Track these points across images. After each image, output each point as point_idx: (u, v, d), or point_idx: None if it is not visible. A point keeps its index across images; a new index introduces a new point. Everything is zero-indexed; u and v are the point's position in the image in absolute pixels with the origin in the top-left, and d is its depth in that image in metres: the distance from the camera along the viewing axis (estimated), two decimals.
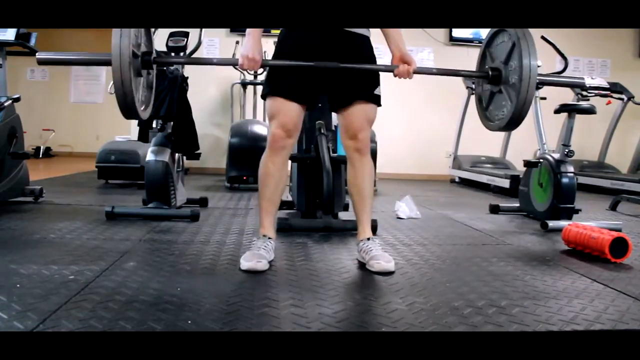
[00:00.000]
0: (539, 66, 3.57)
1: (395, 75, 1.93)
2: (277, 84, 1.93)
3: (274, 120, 1.93)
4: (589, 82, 5.47)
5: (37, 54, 1.85)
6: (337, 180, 2.76)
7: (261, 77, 5.41)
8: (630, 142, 5.96)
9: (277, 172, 1.97)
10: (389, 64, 1.95)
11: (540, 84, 2.00)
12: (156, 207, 2.85)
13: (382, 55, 2.09)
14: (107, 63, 1.69)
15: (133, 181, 4.46)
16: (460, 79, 5.77)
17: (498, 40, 2.02)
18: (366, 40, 1.97)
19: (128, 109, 1.72)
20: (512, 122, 1.89)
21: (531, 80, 1.81)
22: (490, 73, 1.99)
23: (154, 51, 1.96)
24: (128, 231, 2.47)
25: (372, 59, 1.98)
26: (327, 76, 1.91)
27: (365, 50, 1.96)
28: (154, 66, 1.97)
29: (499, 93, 1.98)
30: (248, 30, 1.89)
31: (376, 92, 1.96)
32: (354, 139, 1.96)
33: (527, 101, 1.83)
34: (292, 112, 1.92)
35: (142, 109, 1.85)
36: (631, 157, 5.73)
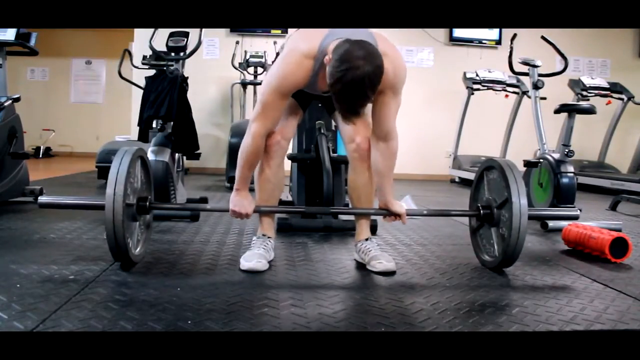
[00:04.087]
0: (539, 66, 3.59)
1: (384, 219, 1.95)
2: None
3: (269, 121, 1.92)
4: (588, 82, 5.49)
5: (38, 198, 1.89)
6: (337, 180, 2.76)
7: (261, 77, 5.41)
8: (630, 142, 5.96)
9: (273, 176, 1.96)
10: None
11: (531, 219, 2.00)
12: None
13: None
14: (102, 208, 1.66)
15: None
16: (460, 78, 5.79)
17: (490, 176, 2.00)
18: None
19: (119, 254, 1.71)
20: (505, 262, 1.86)
21: (521, 227, 1.77)
22: (481, 212, 1.95)
23: (151, 195, 1.94)
24: None
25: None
26: (322, 99, 2.00)
27: None
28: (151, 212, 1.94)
29: (490, 230, 1.96)
30: (235, 189, 1.86)
31: None
32: (353, 142, 1.95)
33: (518, 243, 1.79)
34: (288, 114, 1.94)
35: (137, 250, 1.83)
36: (631, 157, 5.72)
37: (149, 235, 2.01)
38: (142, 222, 1.91)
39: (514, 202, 1.78)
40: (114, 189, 1.64)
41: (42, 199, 1.85)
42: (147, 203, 1.85)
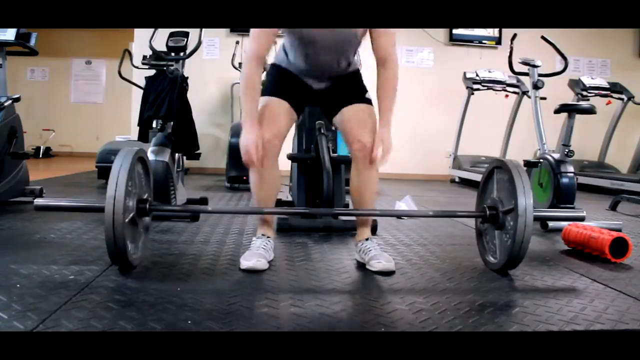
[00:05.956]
0: (539, 66, 3.59)
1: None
2: (271, 88, 2.00)
3: (261, 123, 1.88)
4: (588, 82, 5.49)
5: (34, 200, 1.85)
6: (337, 180, 2.76)
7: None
8: (630, 142, 5.97)
9: (268, 175, 1.94)
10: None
11: (536, 220, 1.91)
12: None
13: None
14: (101, 211, 1.65)
15: None
16: (460, 78, 5.79)
17: (497, 176, 1.97)
18: (356, 74, 2.05)
19: (118, 257, 1.69)
20: (510, 263, 1.85)
21: (527, 229, 1.76)
22: (487, 213, 1.93)
23: (150, 197, 1.92)
24: None
25: (362, 89, 2.03)
26: (319, 94, 2.02)
27: (355, 83, 2.04)
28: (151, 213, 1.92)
29: (497, 231, 1.94)
30: (243, 120, 1.87)
31: (367, 96, 2.01)
32: (357, 143, 1.91)
33: (523, 245, 1.78)
34: (280, 115, 1.93)
35: (136, 253, 1.81)
36: (631, 157, 5.73)
37: (148, 237, 2.00)
38: (141, 224, 1.91)
39: (520, 206, 1.75)
40: (115, 193, 1.63)
41: (39, 201, 1.83)
42: (147, 205, 1.84)
